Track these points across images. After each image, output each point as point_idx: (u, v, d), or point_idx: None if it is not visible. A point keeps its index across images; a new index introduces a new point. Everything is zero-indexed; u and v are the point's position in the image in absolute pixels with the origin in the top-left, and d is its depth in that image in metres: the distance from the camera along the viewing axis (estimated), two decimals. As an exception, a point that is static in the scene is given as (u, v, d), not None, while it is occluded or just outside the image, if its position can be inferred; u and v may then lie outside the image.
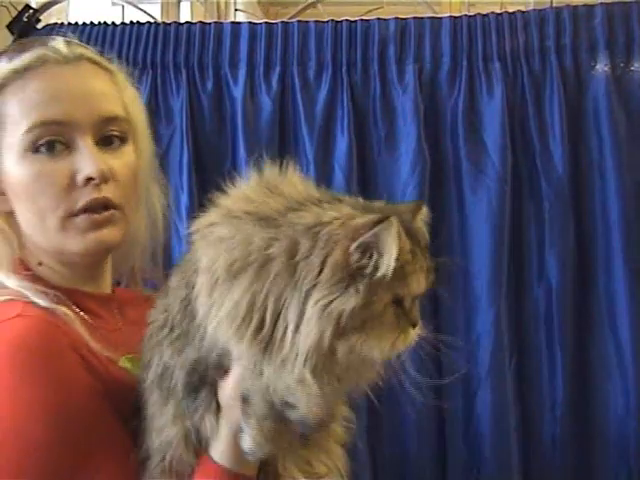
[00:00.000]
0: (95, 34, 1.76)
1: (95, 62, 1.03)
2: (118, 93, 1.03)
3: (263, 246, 0.72)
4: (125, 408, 0.91)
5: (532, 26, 1.66)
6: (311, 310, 0.69)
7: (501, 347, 1.62)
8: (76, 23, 1.78)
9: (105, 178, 0.96)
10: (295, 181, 0.81)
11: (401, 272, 0.73)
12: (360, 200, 0.79)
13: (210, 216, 0.80)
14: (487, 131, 1.65)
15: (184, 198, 1.68)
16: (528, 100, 1.65)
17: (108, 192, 0.97)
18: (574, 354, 1.64)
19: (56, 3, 1.88)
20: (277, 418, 0.78)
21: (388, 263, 0.71)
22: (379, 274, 0.71)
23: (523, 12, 1.69)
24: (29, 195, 0.96)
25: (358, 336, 0.71)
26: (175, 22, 1.80)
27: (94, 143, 0.97)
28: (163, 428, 0.85)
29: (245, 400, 0.78)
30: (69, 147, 0.96)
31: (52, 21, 1.87)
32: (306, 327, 0.70)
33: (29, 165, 0.95)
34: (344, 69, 1.69)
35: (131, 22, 1.78)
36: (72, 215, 0.96)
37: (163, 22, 1.82)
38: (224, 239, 0.76)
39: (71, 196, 0.95)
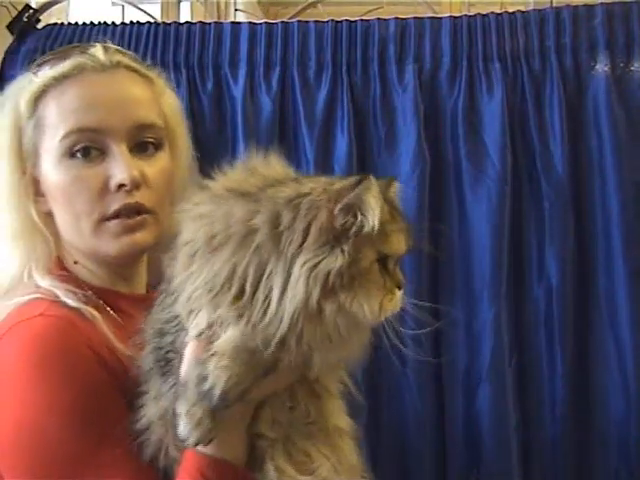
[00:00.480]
0: (95, 34, 1.75)
1: (133, 69, 1.06)
2: (155, 100, 1.06)
3: (244, 219, 0.75)
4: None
5: (532, 26, 1.66)
6: (298, 272, 0.72)
7: (501, 347, 1.62)
8: (76, 23, 1.78)
9: (137, 184, 0.99)
10: (275, 164, 0.86)
11: (382, 231, 0.77)
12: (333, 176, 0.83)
13: (195, 197, 0.84)
14: (487, 131, 1.65)
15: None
16: (528, 100, 1.65)
17: (140, 198, 1.00)
18: (574, 354, 1.64)
19: (56, 3, 1.88)
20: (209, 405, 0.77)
21: (373, 219, 0.75)
22: (365, 231, 0.75)
23: (523, 12, 1.69)
24: (65, 198, 1.00)
25: (346, 294, 0.74)
26: (175, 22, 1.80)
27: (128, 149, 1.00)
28: (145, 407, 0.86)
29: (183, 384, 0.79)
30: (104, 153, 1.00)
31: (52, 21, 1.87)
32: (293, 289, 0.72)
33: (65, 170, 0.99)
34: (344, 69, 1.69)
35: (131, 22, 1.78)
36: (105, 219, 0.99)
37: (163, 22, 1.82)
38: (205, 215, 0.79)
39: (105, 201, 0.99)
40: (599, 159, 1.63)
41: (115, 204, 0.99)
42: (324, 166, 1.68)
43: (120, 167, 0.98)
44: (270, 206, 0.75)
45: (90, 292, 1.01)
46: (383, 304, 0.78)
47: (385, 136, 1.69)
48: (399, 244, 0.80)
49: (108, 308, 1.02)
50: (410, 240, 0.81)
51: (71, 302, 0.96)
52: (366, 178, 0.75)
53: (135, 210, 1.00)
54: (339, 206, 0.74)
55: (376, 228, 0.75)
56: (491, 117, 1.64)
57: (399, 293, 0.81)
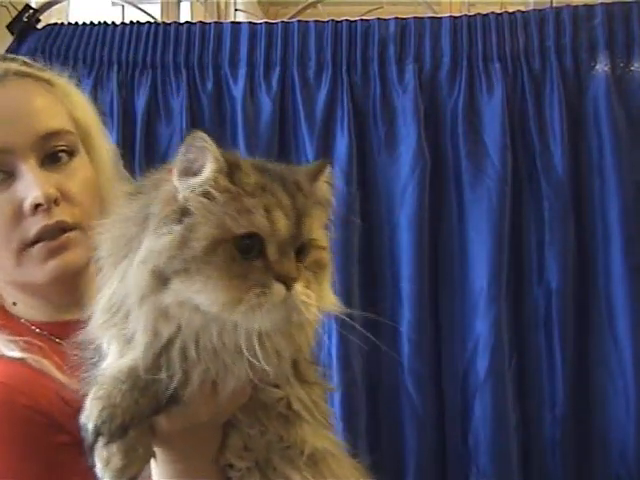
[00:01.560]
0: (95, 34, 1.76)
1: (25, 74, 0.95)
2: (58, 103, 0.95)
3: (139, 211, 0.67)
4: None
5: (532, 26, 1.66)
6: (137, 255, 0.63)
7: (501, 347, 1.62)
8: (76, 23, 1.78)
9: (54, 201, 0.88)
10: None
11: (238, 206, 0.62)
12: None
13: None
14: (487, 131, 1.65)
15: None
16: (528, 100, 1.65)
17: (61, 214, 0.89)
18: (574, 354, 1.64)
19: (56, 3, 1.89)
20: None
21: (203, 177, 0.63)
22: (208, 198, 0.62)
23: (523, 12, 1.69)
24: None
25: (181, 280, 0.61)
26: (175, 22, 1.80)
27: (39, 164, 0.90)
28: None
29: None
30: (12, 175, 0.89)
31: (52, 21, 1.87)
32: (130, 277, 0.64)
33: None
34: (344, 69, 1.69)
35: (131, 22, 1.78)
36: (27, 246, 0.89)
37: (163, 22, 1.83)
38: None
39: (22, 227, 0.89)
40: (599, 159, 1.63)
41: (34, 228, 0.88)
42: (324, 166, 1.68)
43: (31, 186, 0.87)
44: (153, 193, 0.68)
45: (37, 329, 0.92)
46: (245, 299, 0.61)
47: (385, 136, 1.69)
48: (271, 224, 0.62)
49: (59, 342, 0.91)
50: (301, 224, 0.64)
51: (13, 354, 0.86)
52: (198, 133, 0.63)
53: (57, 230, 0.89)
54: (175, 172, 0.64)
55: (209, 179, 0.63)
56: (491, 117, 1.64)
57: (278, 287, 0.62)
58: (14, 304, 0.96)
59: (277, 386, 0.72)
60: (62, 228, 0.90)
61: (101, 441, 0.64)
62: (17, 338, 0.88)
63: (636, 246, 1.61)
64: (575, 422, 1.64)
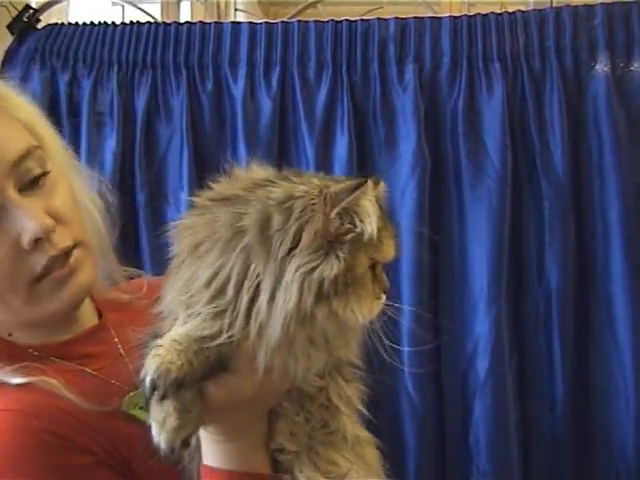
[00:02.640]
0: (95, 34, 1.76)
1: None
2: (9, 116, 0.88)
3: (230, 222, 0.72)
4: (135, 453, 0.83)
5: (532, 26, 1.66)
6: (291, 277, 0.70)
7: (501, 347, 1.62)
8: (76, 23, 1.78)
9: (51, 229, 0.84)
10: (256, 168, 0.82)
11: (377, 237, 0.75)
12: (321, 174, 0.81)
13: (183, 215, 0.81)
14: (487, 131, 1.65)
15: (184, 198, 1.68)
16: (528, 100, 1.65)
17: (62, 240, 0.85)
18: (574, 354, 1.64)
19: (56, 3, 1.88)
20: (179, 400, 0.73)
21: (371, 226, 0.73)
22: (365, 237, 0.73)
23: (523, 12, 1.68)
24: None
25: (339, 300, 0.72)
26: (175, 22, 1.80)
27: (19, 193, 0.84)
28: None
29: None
30: None
31: (52, 21, 1.87)
32: (285, 294, 0.70)
33: None
34: (344, 69, 1.69)
35: (131, 22, 1.78)
36: (35, 282, 0.85)
37: (163, 22, 1.82)
38: (189, 226, 0.77)
39: (25, 264, 0.84)
40: (599, 159, 1.63)
41: (40, 263, 0.84)
42: (324, 166, 1.68)
43: (24, 220, 0.81)
44: (260, 207, 0.72)
45: (36, 352, 0.89)
46: (371, 309, 0.76)
47: (385, 136, 1.69)
48: (389, 250, 0.77)
49: (67, 362, 0.90)
50: (398, 245, 0.79)
51: (18, 380, 0.82)
52: (364, 182, 0.73)
53: (63, 256, 0.85)
54: (336, 210, 0.71)
55: (374, 235, 0.73)
56: (491, 117, 1.64)
57: (384, 297, 0.78)
58: (9, 335, 0.92)
59: (319, 377, 0.80)
60: (67, 253, 0.86)
61: (156, 395, 0.71)
62: (17, 365, 0.84)
63: (636, 246, 1.61)
64: (575, 422, 1.64)
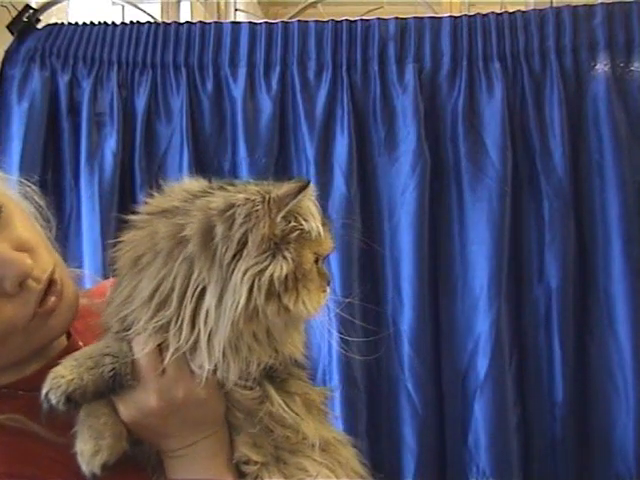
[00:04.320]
0: (95, 34, 1.76)
1: None
2: None
3: (171, 233, 0.73)
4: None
5: (532, 26, 1.66)
6: (239, 280, 0.72)
7: (501, 347, 1.62)
8: (76, 23, 1.78)
9: (29, 265, 0.77)
10: (188, 181, 0.82)
11: (324, 235, 0.79)
12: (251, 180, 0.82)
13: (122, 232, 0.79)
14: (487, 131, 1.65)
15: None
16: (528, 100, 1.65)
17: (42, 270, 0.79)
18: (574, 354, 1.64)
19: (56, 3, 1.88)
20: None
21: (316, 224, 0.76)
22: (312, 236, 0.76)
23: (523, 12, 1.69)
24: None
25: (289, 296, 0.74)
26: (175, 22, 1.80)
27: None
28: None
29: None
30: None
31: (52, 21, 1.87)
32: (233, 297, 0.72)
33: None
34: (344, 69, 1.69)
35: (131, 22, 1.78)
36: (30, 322, 0.79)
37: (163, 22, 1.83)
38: (129, 241, 0.77)
39: (15, 310, 0.78)
40: (599, 159, 1.63)
41: (30, 302, 0.78)
42: (324, 166, 1.68)
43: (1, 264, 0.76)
44: (201, 216, 0.73)
45: (3, 389, 0.83)
46: (320, 301, 0.78)
47: (385, 136, 1.69)
48: (329, 243, 0.80)
49: (29, 394, 0.81)
50: (334, 238, 0.82)
51: None
52: (306, 184, 0.76)
53: (48, 288, 0.80)
54: (282, 213, 0.74)
55: (320, 233, 0.77)
56: (491, 117, 1.64)
57: (328, 289, 0.80)
58: None
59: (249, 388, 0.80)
60: (50, 283, 0.80)
61: (45, 407, 0.73)
62: None
63: (636, 246, 1.61)
64: (575, 422, 1.64)
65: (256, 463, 0.80)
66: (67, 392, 0.73)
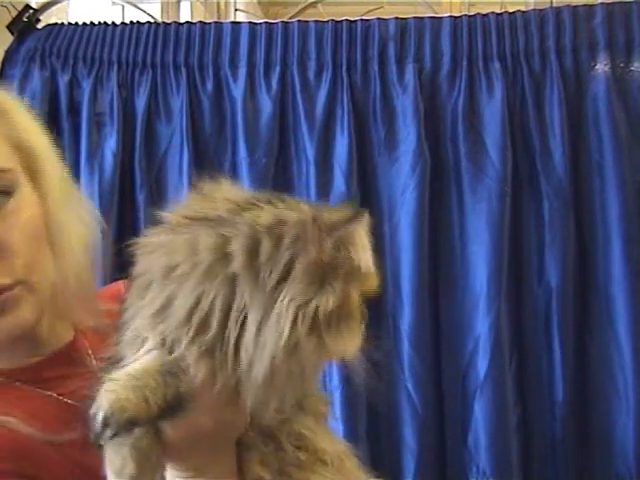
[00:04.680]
0: (95, 34, 1.76)
1: None
2: None
3: (215, 245, 0.66)
4: None
5: (532, 26, 1.66)
6: (283, 308, 0.65)
7: (501, 347, 1.62)
8: (76, 23, 1.78)
9: None
10: (228, 186, 0.75)
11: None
12: (301, 199, 0.75)
13: (148, 231, 0.73)
14: (487, 131, 1.65)
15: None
16: (528, 100, 1.65)
17: (5, 267, 0.76)
18: (574, 354, 1.64)
19: (56, 3, 1.88)
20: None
21: (367, 257, 0.70)
22: (361, 270, 0.69)
23: (523, 12, 1.69)
24: None
25: (331, 333, 0.68)
26: (175, 22, 1.80)
27: None
28: None
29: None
30: None
31: (52, 21, 1.87)
32: (275, 327, 0.65)
33: None
34: (344, 69, 1.69)
35: (131, 22, 1.78)
36: None
37: (163, 22, 1.83)
38: (163, 244, 0.70)
39: None
40: (599, 159, 1.63)
41: None
42: (324, 166, 1.68)
43: None
44: (248, 231, 0.66)
45: (1, 378, 0.83)
46: (359, 342, 0.72)
47: (385, 136, 1.69)
48: (375, 280, 0.72)
49: (24, 386, 0.83)
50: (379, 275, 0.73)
51: None
52: (361, 214, 0.70)
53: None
54: (331, 240, 0.67)
55: (370, 268, 0.70)
56: (491, 117, 1.65)
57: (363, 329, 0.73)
58: None
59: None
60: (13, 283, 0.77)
61: (108, 433, 0.66)
62: None
63: (636, 246, 1.61)
64: (575, 422, 1.64)
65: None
66: (133, 417, 0.66)
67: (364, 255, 0.69)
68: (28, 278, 0.79)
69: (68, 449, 0.78)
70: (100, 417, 0.66)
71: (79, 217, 0.87)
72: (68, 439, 0.77)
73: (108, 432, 0.66)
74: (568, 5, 1.71)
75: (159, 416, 0.68)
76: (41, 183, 0.83)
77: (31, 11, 1.77)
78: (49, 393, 0.83)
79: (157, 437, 0.69)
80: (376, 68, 1.69)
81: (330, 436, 0.83)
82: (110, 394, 0.67)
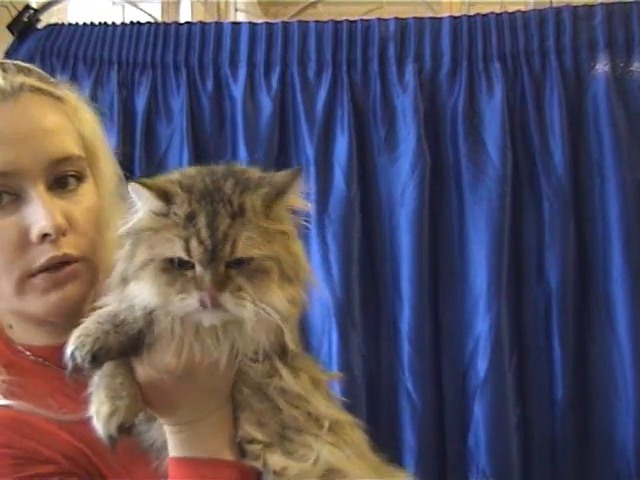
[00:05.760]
0: (95, 34, 1.76)
1: (40, 90, 0.90)
2: (70, 123, 0.92)
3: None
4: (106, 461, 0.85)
5: (532, 26, 1.66)
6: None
7: (501, 347, 1.62)
8: (76, 23, 1.78)
9: (62, 232, 0.85)
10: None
11: (165, 236, 0.75)
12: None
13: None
14: (487, 131, 1.65)
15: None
16: (528, 100, 1.65)
17: (68, 246, 0.86)
18: (574, 354, 1.64)
19: (56, 3, 1.89)
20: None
21: (140, 215, 0.77)
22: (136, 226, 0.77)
23: (523, 12, 1.69)
24: None
25: (133, 282, 0.75)
26: (175, 22, 1.80)
27: (47, 188, 0.87)
28: None
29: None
30: (19, 197, 0.85)
31: (52, 21, 1.87)
32: None
33: None
34: (344, 69, 1.69)
35: (131, 22, 1.78)
36: (29, 276, 0.86)
37: (163, 22, 1.83)
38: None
39: (26, 255, 0.85)
40: (599, 159, 1.63)
41: (40, 258, 0.85)
42: (324, 166, 1.68)
43: (40, 214, 0.84)
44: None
45: (32, 356, 0.91)
46: (172, 301, 0.73)
47: (385, 136, 1.69)
48: (188, 251, 0.73)
49: (52, 367, 0.89)
50: (211, 250, 0.73)
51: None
52: (132, 185, 0.76)
53: (63, 262, 0.86)
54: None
55: (143, 217, 0.76)
56: (491, 117, 1.65)
57: (196, 294, 0.74)
58: (10, 327, 0.93)
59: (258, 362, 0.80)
60: (68, 261, 0.87)
61: (71, 367, 0.75)
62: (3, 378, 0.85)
63: (636, 246, 1.61)
64: (575, 421, 1.64)
65: (260, 442, 0.80)
66: (93, 351, 0.74)
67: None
68: (92, 257, 0.89)
69: (78, 428, 0.82)
70: (68, 353, 0.75)
71: (121, 215, 0.95)
72: (80, 419, 0.80)
73: (71, 365, 0.75)
74: (568, 5, 1.71)
75: (120, 352, 0.76)
76: (99, 181, 0.94)
77: (31, 11, 1.77)
78: (75, 377, 0.88)
79: (131, 379, 0.77)
80: (376, 68, 1.69)
81: (331, 403, 0.86)
82: (75, 332, 0.76)
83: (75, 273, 0.88)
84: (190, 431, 0.79)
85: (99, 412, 0.74)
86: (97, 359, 0.75)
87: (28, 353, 0.92)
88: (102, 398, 0.74)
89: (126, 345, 0.76)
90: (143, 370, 0.76)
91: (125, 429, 0.74)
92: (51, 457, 0.82)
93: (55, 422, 0.84)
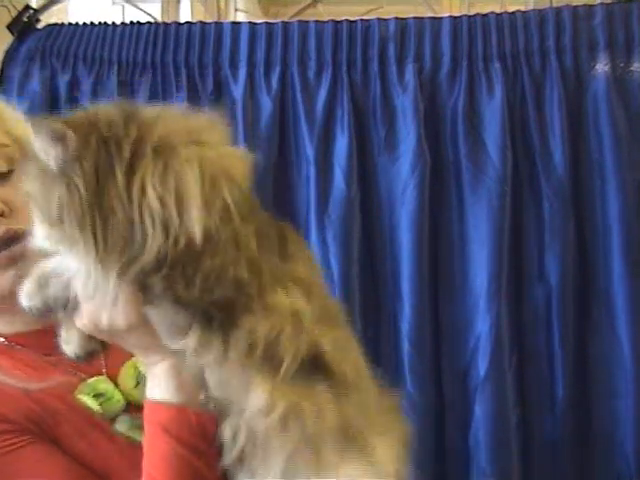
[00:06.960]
0: (95, 34, 1.76)
1: None
2: None
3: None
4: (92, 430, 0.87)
5: (532, 26, 1.66)
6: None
7: (501, 347, 1.63)
8: (76, 23, 1.78)
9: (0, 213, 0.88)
10: None
11: None
12: None
13: None
14: (487, 131, 1.65)
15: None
16: (528, 100, 1.65)
17: (13, 224, 0.89)
18: (574, 354, 1.64)
19: (56, 3, 1.89)
20: None
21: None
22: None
23: (523, 12, 1.69)
24: None
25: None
26: (175, 22, 1.80)
27: None
28: None
29: None
30: None
31: (52, 21, 1.87)
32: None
33: None
34: (344, 69, 1.69)
35: (131, 22, 1.78)
36: None
37: (163, 22, 1.83)
38: None
39: None
40: (599, 159, 1.63)
41: None
42: (324, 166, 1.68)
43: None
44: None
45: (2, 340, 0.94)
46: None
47: (385, 136, 1.69)
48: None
49: (24, 350, 0.93)
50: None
51: None
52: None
53: (11, 239, 0.89)
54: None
55: None
56: (491, 117, 1.65)
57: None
58: None
59: None
60: (14, 237, 0.89)
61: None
62: None
63: (636, 246, 1.61)
64: (575, 421, 1.64)
65: None
66: (35, 305, 0.78)
67: None
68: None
69: (42, 397, 0.87)
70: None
71: None
72: (46, 386, 0.86)
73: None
74: (568, 5, 1.71)
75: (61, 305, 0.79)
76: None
77: (31, 11, 1.77)
78: (47, 359, 0.92)
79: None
80: (376, 68, 1.69)
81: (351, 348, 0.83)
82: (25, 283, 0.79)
83: (27, 250, 0.85)
84: (154, 374, 0.80)
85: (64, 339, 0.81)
86: (50, 311, 0.78)
87: (2, 339, 0.95)
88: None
89: (62, 299, 0.78)
90: (78, 321, 0.79)
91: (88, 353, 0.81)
92: (12, 418, 0.85)
93: (21, 390, 0.87)
